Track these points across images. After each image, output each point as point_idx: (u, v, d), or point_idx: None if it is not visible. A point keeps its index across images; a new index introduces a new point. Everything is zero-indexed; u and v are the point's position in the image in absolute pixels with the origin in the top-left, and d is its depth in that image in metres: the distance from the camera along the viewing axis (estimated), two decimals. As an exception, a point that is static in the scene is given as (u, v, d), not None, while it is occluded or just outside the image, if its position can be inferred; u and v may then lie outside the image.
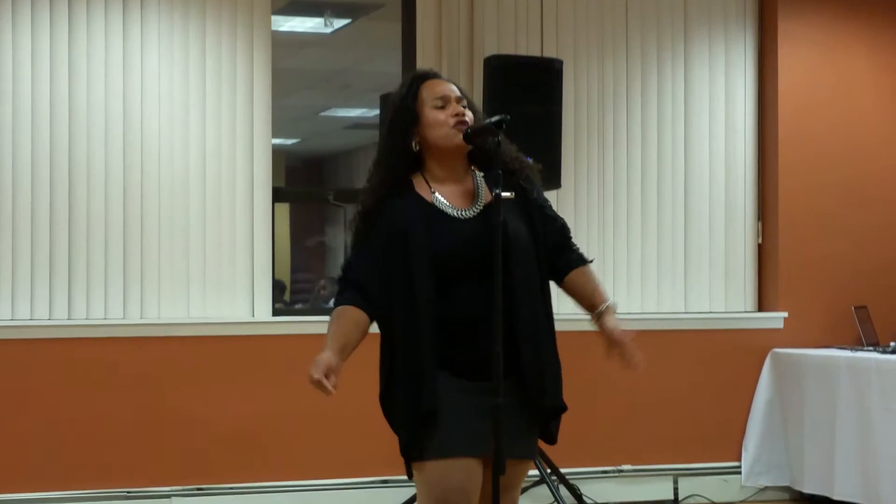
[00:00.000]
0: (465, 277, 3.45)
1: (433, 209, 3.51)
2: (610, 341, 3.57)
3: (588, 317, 3.65)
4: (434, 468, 3.44)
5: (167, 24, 6.46)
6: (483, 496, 3.49)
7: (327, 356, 3.39)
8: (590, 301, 3.64)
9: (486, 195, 3.56)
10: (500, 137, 3.46)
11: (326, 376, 3.35)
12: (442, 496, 3.44)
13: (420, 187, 3.56)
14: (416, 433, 3.43)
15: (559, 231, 3.67)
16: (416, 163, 3.58)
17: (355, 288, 3.50)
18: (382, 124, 3.64)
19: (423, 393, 3.41)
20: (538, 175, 3.67)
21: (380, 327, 3.55)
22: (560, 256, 3.65)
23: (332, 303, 3.64)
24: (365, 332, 3.50)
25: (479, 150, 3.57)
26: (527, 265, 3.52)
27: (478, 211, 3.54)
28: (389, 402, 3.52)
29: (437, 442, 3.42)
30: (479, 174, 3.62)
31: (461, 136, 3.51)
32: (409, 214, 3.49)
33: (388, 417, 3.55)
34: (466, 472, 3.44)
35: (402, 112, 3.56)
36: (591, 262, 3.72)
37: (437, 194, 3.54)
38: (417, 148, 3.55)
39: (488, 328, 3.37)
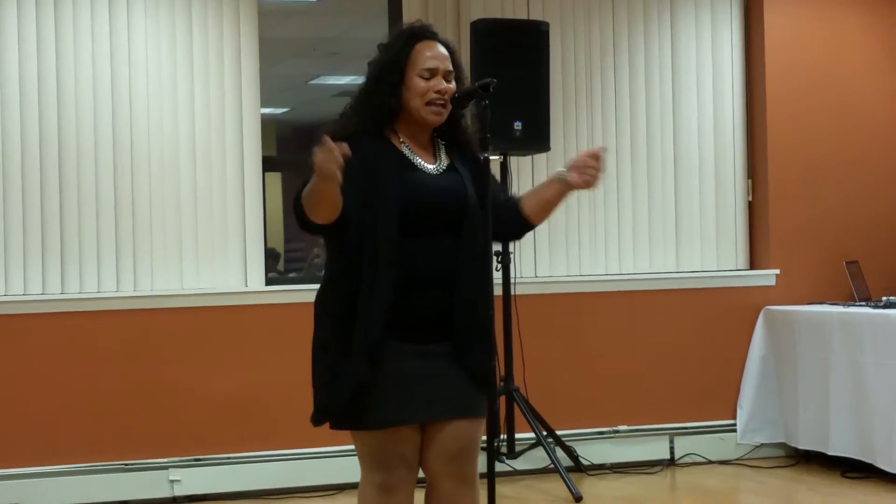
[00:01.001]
0: (427, 231, 3.50)
1: (403, 157, 3.57)
2: (578, 168, 3.62)
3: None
4: (372, 438, 3.49)
5: (152, -5, 6.45)
6: (424, 458, 3.55)
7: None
8: (550, 190, 3.68)
9: (445, 160, 3.64)
10: (482, 104, 3.55)
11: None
12: (380, 463, 3.50)
13: (390, 136, 3.61)
14: (354, 400, 3.43)
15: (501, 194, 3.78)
16: (390, 115, 3.61)
17: None
18: (372, 66, 3.64)
19: (369, 343, 3.40)
20: (489, 149, 3.69)
21: (332, 270, 3.55)
22: (506, 203, 3.70)
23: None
24: (339, 208, 3.39)
25: (444, 124, 3.63)
26: (482, 230, 3.55)
27: (442, 170, 3.61)
28: (325, 352, 3.50)
29: (375, 412, 3.45)
30: (441, 142, 3.68)
31: (431, 116, 3.56)
32: (381, 154, 3.53)
33: (321, 369, 3.52)
34: (405, 439, 3.49)
35: (392, 69, 3.58)
36: None
37: (405, 145, 3.59)
38: (395, 106, 3.58)
39: (444, 287, 3.47)
